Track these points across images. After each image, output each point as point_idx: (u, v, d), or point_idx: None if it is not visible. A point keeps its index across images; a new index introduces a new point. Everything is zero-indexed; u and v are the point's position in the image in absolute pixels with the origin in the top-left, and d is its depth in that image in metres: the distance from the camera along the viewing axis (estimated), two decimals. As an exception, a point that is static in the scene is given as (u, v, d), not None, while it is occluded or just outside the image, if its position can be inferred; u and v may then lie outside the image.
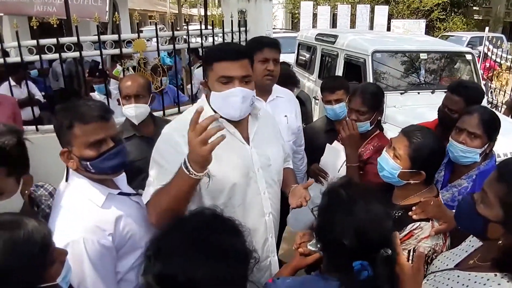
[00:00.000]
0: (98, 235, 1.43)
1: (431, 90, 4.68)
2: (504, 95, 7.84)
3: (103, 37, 3.48)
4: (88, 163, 1.47)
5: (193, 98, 4.61)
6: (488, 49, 8.39)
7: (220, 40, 4.60)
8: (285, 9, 25.34)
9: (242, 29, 4.96)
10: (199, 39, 4.25)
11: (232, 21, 4.71)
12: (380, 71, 4.73)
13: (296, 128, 2.75)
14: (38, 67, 5.92)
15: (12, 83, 3.88)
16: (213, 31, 4.41)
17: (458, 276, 1.37)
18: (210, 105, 1.70)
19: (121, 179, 1.69)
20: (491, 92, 8.13)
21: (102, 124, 1.49)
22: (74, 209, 1.46)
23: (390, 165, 1.74)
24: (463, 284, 1.32)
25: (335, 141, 2.58)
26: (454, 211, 1.53)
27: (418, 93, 4.65)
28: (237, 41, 4.85)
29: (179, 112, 4.22)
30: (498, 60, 8.09)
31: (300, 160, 2.92)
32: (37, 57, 3.36)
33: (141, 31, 6.52)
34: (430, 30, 17.79)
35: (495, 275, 1.25)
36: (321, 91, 2.88)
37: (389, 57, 4.91)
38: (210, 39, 4.45)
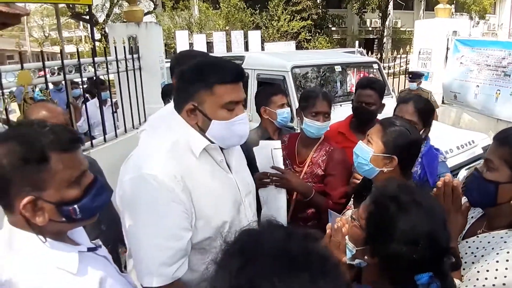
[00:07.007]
0: None
1: (350, 101, 4.58)
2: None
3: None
4: (75, 206, 1.05)
5: (91, 138, 4.02)
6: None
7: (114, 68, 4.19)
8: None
9: (135, 56, 4.63)
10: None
11: (124, 47, 4.35)
12: (300, 86, 4.57)
13: None
14: None
15: None
16: (106, 59, 3.99)
17: (473, 242, 1.38)
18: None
19: (79, 229, 1.22)
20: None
21: (80, 151, 1.11)
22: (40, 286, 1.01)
23: (363, 150, 1.69)
24: (488, 242, 1.32)
25: (260, 141, 2.36)
26: None
27: (340, 105, 4.25)
28: (131, 68, 4.49)
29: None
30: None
31: None
32: None
33: None
34: (299, 50, 19.08)
35: None
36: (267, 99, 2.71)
37: (306, 72, 4.84)
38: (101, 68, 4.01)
